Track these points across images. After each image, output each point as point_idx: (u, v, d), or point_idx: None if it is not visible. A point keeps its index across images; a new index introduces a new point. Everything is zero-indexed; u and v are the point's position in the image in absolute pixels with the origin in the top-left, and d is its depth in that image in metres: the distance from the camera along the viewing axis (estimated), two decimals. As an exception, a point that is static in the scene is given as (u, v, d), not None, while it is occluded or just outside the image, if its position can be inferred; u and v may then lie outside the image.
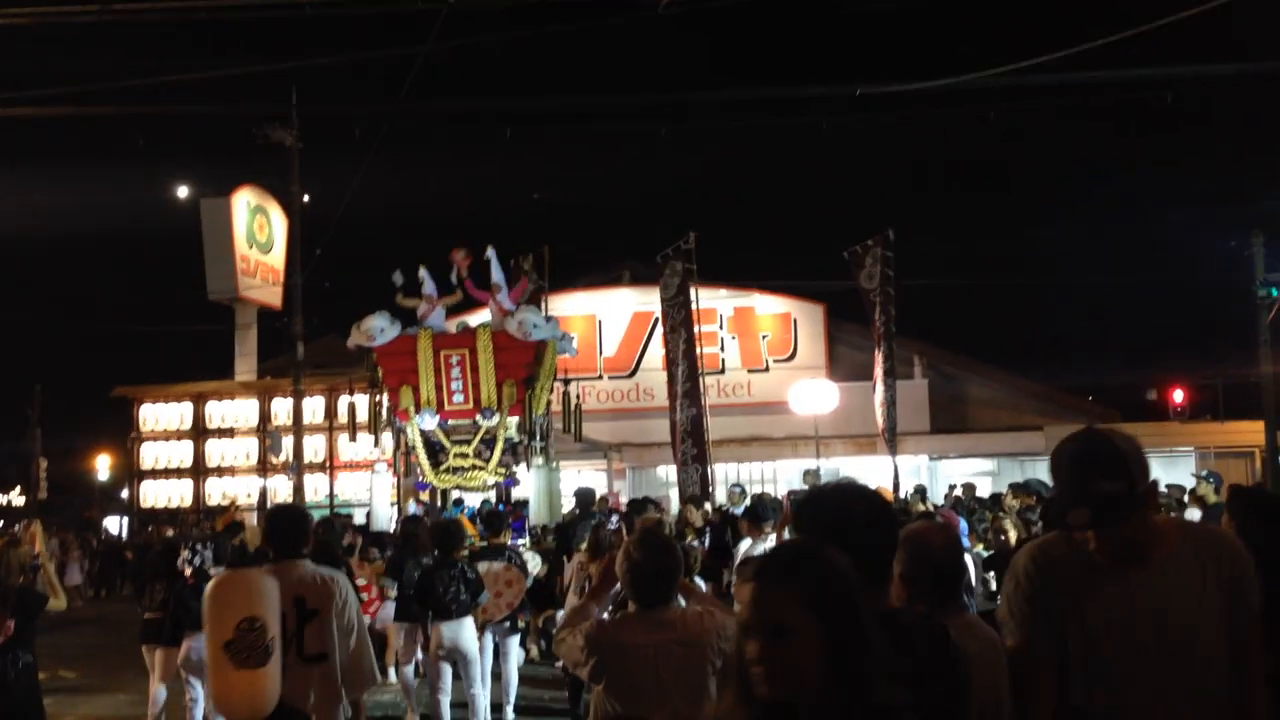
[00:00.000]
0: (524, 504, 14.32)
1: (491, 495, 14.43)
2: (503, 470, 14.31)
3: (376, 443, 16.10)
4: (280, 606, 4.38)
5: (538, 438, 14.93)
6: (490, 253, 14.80)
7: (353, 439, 16.82)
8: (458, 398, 14.31)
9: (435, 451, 14.42)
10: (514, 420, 14.28)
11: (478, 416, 14.17)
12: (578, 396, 16.33)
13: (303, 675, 4.90)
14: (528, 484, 14.78)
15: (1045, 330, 49.29)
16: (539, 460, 14.82)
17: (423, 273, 14.81)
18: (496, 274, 14.83)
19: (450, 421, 14.43)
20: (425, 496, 14.67)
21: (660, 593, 3.84)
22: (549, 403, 15.58)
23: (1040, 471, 20.80)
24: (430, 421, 14.28)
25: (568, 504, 15.92)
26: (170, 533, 18.14)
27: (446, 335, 14.66)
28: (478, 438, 14.24)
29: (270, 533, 5.37)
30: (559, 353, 15.48)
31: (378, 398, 15.09)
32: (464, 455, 14.28)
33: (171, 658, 8.97)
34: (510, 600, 8.98)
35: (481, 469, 14.24)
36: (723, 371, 25.03)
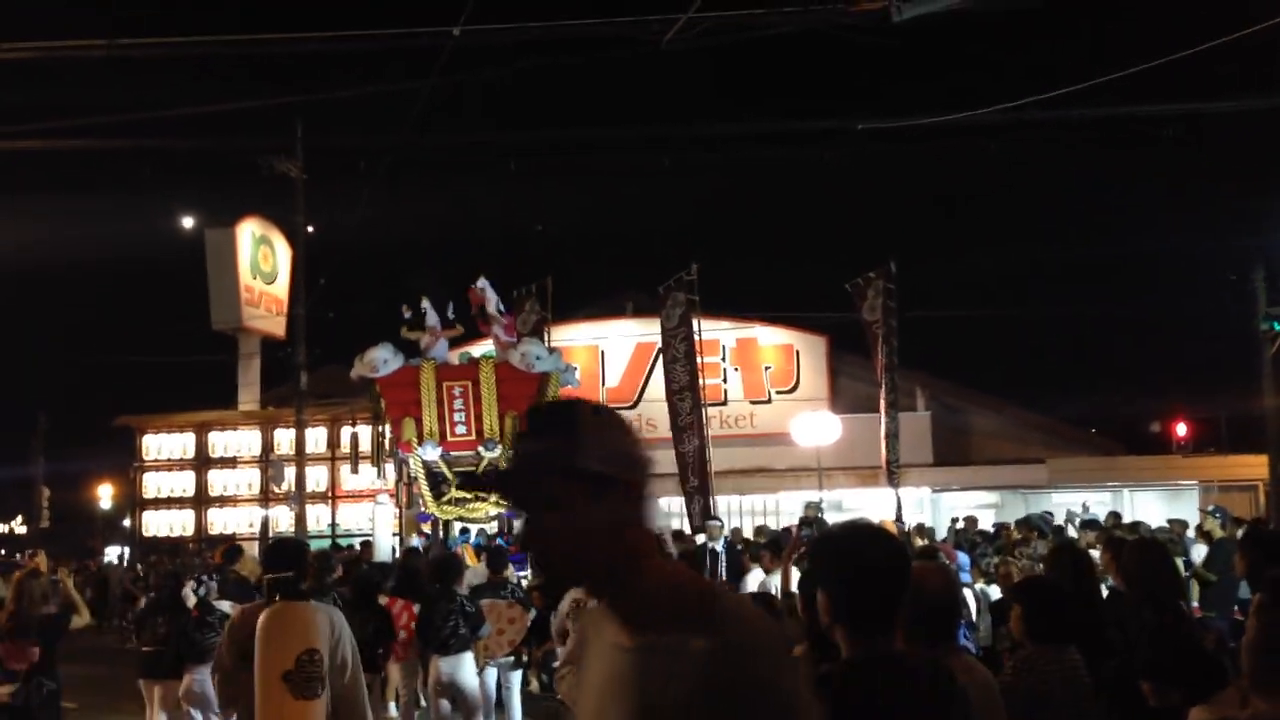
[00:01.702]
0: None
1: (492, 526, 14.41)
2: (505, 502, 14.31)
3: (380, 474, 16.11)
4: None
5: None
6: (481, 282, 14.80)
7: (354, 470, 16.83)
8: (460, 429, 14.32)
9: (438, 483, 14.41)
10: None
11: (480, 448, 14.17)
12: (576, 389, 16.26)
13: (295, 712, 4.88)
14: None
15: (1049, 363, 49.27)
16: None
17: (425, 304, 14.86)
18: (492, 305, 14.85)
19: (453, 453, 14.43)
20: (428, 528, 14.65)
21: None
22: None
23: (1044, 504, 20.78)
24: (433, 452, 14.28)
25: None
26: (170, 564, 18.09)
27: (450, 366, 14.69)
28: (480, 469, 14.25)
29: (269, 566, 5.37)
30: (562, 384, 15.51)
31: (380, 428, 15.12)
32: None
33: (172, 690, 8.94)
34: (512, 638, 8.96)
35: (484, 500, 14.23)
36: (725, 403, 25.03)
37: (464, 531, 14.74)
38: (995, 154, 18.87)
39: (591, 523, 1.82)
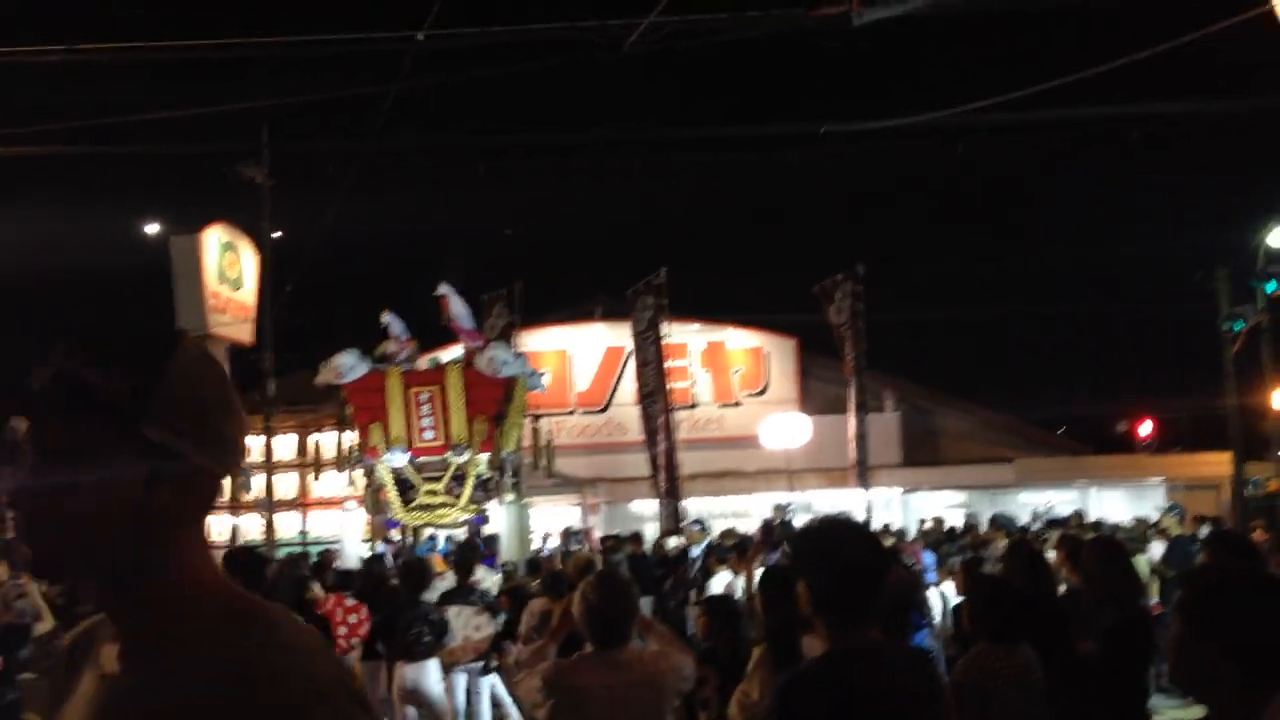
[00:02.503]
0: (494, 539, 14.27)
1: (462, 533, 14.37)
2: (474, 507, 14.27)
3: (350, 481, 16.02)
4: None
5: (508, 474, 14.90)
6: (443, 289, 14.75)
7: (316, 477, 16.68)
8: (428, 434, 14.26)
9: (405, 489, 14.36)
10: (484, 457, 14.25)
11: (448, 453, 14.13)
12: (548, 432, 16.31)
13: None
14: (498, 520, 14.73)
15: (1015, 363, 49.56)
16: (510, 496, 14.78)
17: (388, 317, 14.80)
18: (455, 309, 14.80)
19: (420, 458, 14.37)
20: (396, 534, 14.59)
21: (617, 633, 3.85)
22: (519, 439, 15.57)
23: (1011, 503, 20.93)
24: (400, 459, 14.22)
25: (538, 540, 15.87)
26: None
27: (416, 372, 14.64)
28: (448, 474, 14.19)
29: (231, 576, 5.34)
30: (529, 389, 15.48)
31: (346, 435, 15.04)
32: (434, 492, 14.23)
33: None
34: (479, 644, 8.92)
35: (452, 506, 14.19)
36: (694, 406, 25.05)
37: (431, 539, 14.70)
38: (961, 156, 19.03)
39: (129, 504, 1.34)
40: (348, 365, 14.27)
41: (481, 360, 14.14)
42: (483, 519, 14.43)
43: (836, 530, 2.78)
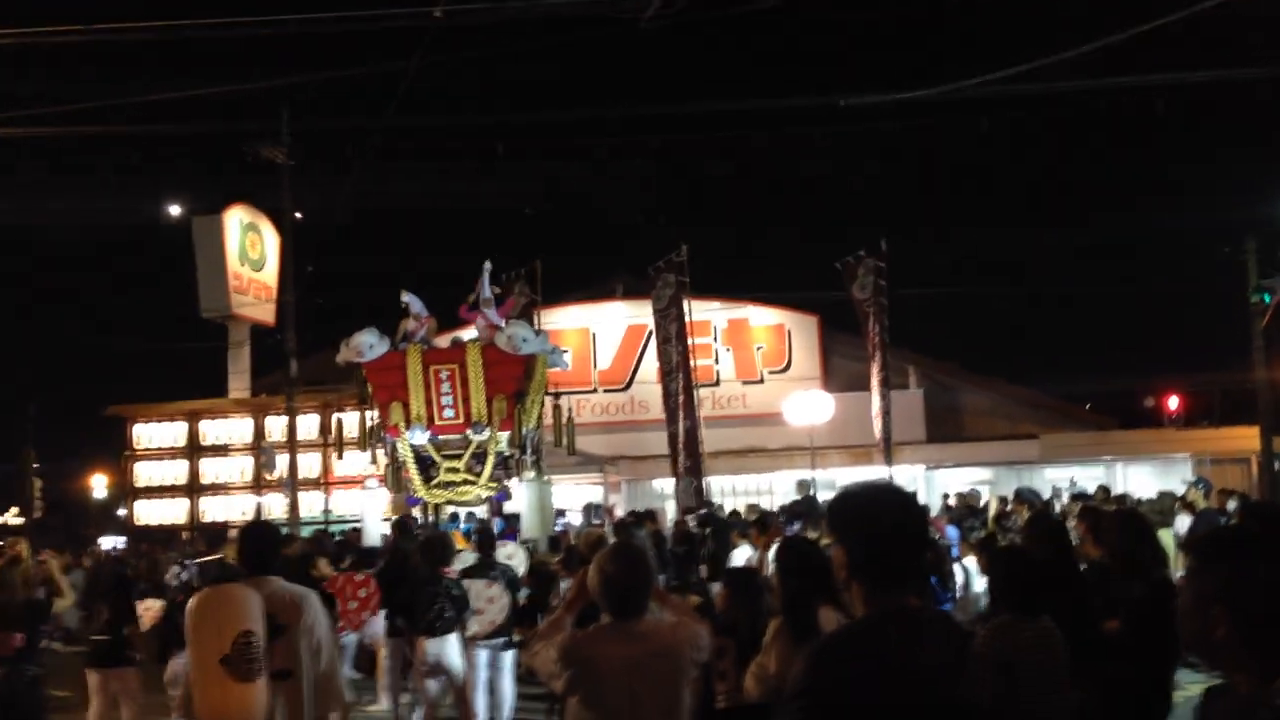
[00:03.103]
0: (516, 518, 14.29)
1: (482, 510, 14.38)
2: (494, 484, 14.27)
3: (373, 459, 16.05)
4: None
5: (529, 452, 14.89)
6: (486, 267, 14.80)
7: (339, 456, 16.72)
8: (448, 412, 14.25)
9: (426, 466, 14.36)
10: (505, 435, 14.25)
11: (468, 431, 14.13)
12: (569, 410, 16.30)
13: (237, 695, 4.86)
14: (520, 498, 14.73)
15: (1041, 339, 49.27)
16: (530, 474, 14.78)
17: (407, 297, 14.80)
18: (486, 290, 14.82)
19: (441, 436, 14.37)
20: (417, 512, 14.63)
21: (633, 605, 3.82)
22: (540, 416, 15.56)
23: (1036, 479, 20.81)
24: (421, 436, 14.22)
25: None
26: (163, 553, 18.06)
27: (436, 350, 14.62)
28: (469, 452, 14.18)
29: (242, 549, 5.34)
30: (550, 366, 15.45)
31: (368, 413, 15.06)
32: (455, 470, 14.22)
33: (112, 679, 8.95)
34: (493, 618, 8.92)
35: (473, 483, 14.19)
36: (717, 383, 25.01)
37: (454, 518, 14.72)
38: (986, 129, 18.85)
39: None
40: (367, 344, 14.28)
41: (501, 338, 14.12)
42: (504, 496, 14.44)
43: (876, 495, 2.73)
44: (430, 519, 14.62)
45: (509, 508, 14.51)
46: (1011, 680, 3.99)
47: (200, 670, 4.67)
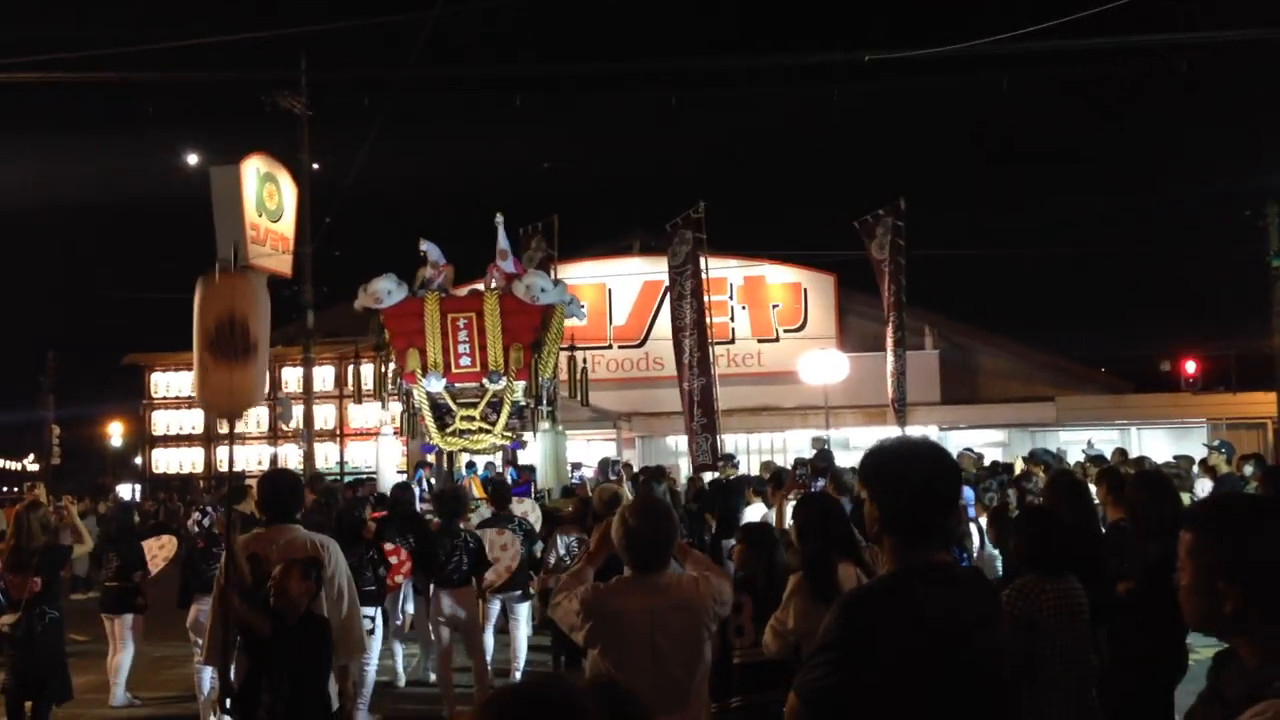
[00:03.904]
0: (530, 469, 14.33)
1: (498, 458, 14.40)
2: (509, 434, 14.28)
3: (384, 406, 16.08)
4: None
5: (544, 402, 14.88)
6: (499, 220, 14.76)
7: (357, 402, 16.74)
8: (464, 360, 14.24)
9: (442, 414, 14.38)
10: (521, 384, 14.24)
11: (484, 379, 14.12)
12: (584, 362, 16.28)
13: (222, 372, 5.00)
14: (534, 449, 14.76)
15: (1057, 301, 49.05)
16: (545, 425, 14.78)
17: (425, 244, 14.78)
18: (502, 241, 14.78)
19: (457, 384, 14.37)
20: (432, 459, 14.65)
21: (655, 558, 3.83)
22: (556, 367, 15.56)
23: (1051, 442, 20.75)
24: (437, 384, 14.23)
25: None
26: (179, 500, 18.20)
27: (454, 298, 14.61)
28: (484, 401, 14.19)
29: (263, 497, 5.36)
30: (568, 318, 15.42)
31: (384, 364, 15.07)
32: (470, 418, 14.24)
33: (116, 624, 9.09)
34: (508, 564, 8.96)
35: (488, 432, 14.21)
36: (732, 341, 24.97)
37: (470, 465, 14.76)
38: (1005, 88, 18.60)
39: None
40: (385, 290, 14.26)
41: (519, 287, 14.08)
42: (518, 445, 14.45)
43: (909, 450, 2.74)
44: (445, 467, 14.65)
45: (523, 458, 14.56)
46: (1033, 640, 4.00)
47: (196, 359, 4.97)
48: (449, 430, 14.35)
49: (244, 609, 4.61)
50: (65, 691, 7.93)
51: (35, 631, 7.54)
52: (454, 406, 14.33)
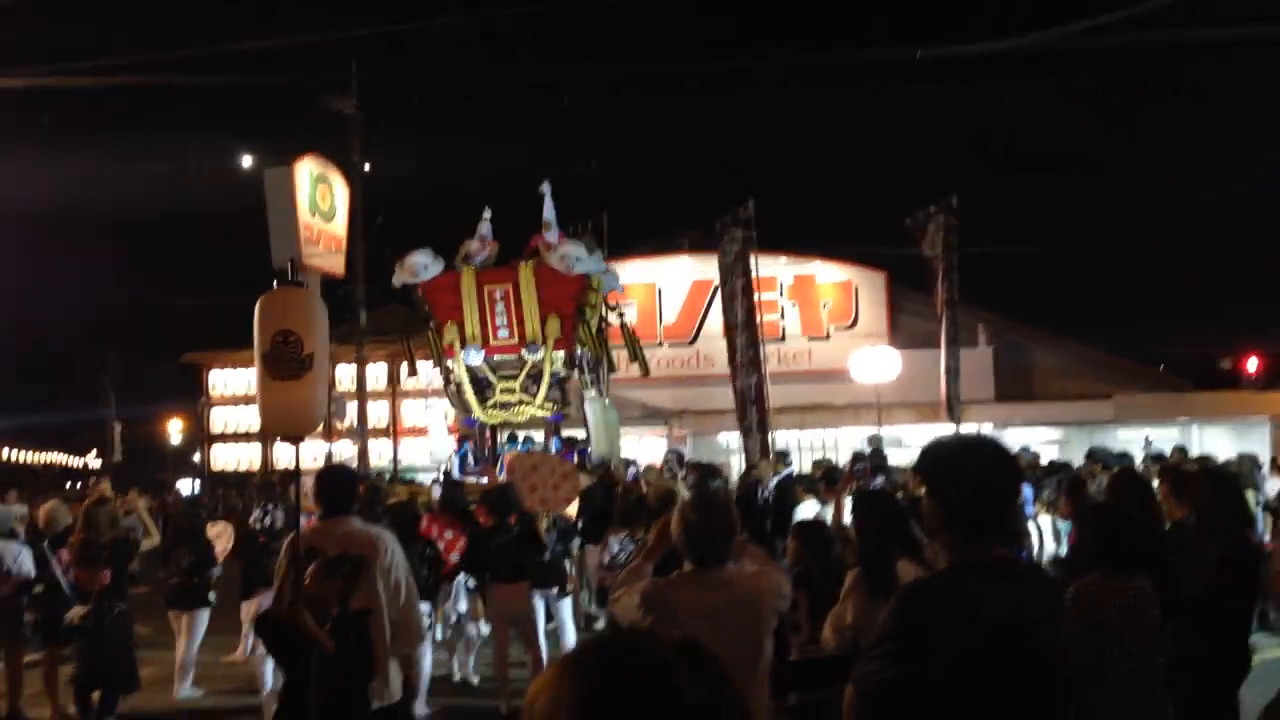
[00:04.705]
0: (573, 440, 14.17)
1: (539, 435, 14.26)
2: (550, 405, 14.17)
3: (438, 366, 15.92)
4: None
5: (586, 370, 14.73)
6: (545, 188, 14.63)
7: (413, 372, 16.33)
8: (502, 332, 14.13)
9: (482, 387, 14.31)
10: (560, 355, 14.11)
11: (523, 351, 14.00)
12: (633, 325, 16.06)
13: (279, 389, 5.03)
14: (589, 419, 14.56)
15: (1114, 298, 48.34)
16: (591, 393, 14.58)
17: (487, 213, 14.70)
18: (548, 211, 14.65)
19: (495, 357, 14.28)
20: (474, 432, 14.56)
21: (715, 553, 3.82)
22: (598, 337, 15.40)
23: (1109, 441, 20.47)
24: (476, 357, 14.13)
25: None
26: (238, 496, 18.45)
27: (489, 270, 14.42)
28: (524, 372, 14.07)
29: (319, 491, 5.43)
30: (605, 289, 15.29)
31: (435, 334, 14.90)
32: (510, 390, 14.13)
33: (184, 619, 9.24)
34: (567, 494, 8.87)
35: (528, 404, 14.12)
36: (783, 339, 24.88)
37: (512, 439, 14.70)
38: (1059, 84, 18.35)
39: None
40: (422, 264, 14.23)
41: (554, 257, 13.94)
42: (560, 417, 14.35)
43: (970, 447, 2.75)
44: (486, 439, 14.55)
45: (567, 430, 14.45)
46: (1098, 641, 3.94)
47: (256, 372, 5.06)
48: (490, 403, 14.23)
49: (315, 628, 4.49)
50: (132, 682, 8.09)
51: (104, 624, 7.70)
52: (494, 379, 14.20)
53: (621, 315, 15.77)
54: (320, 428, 5.47)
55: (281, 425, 5.04)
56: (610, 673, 1.18)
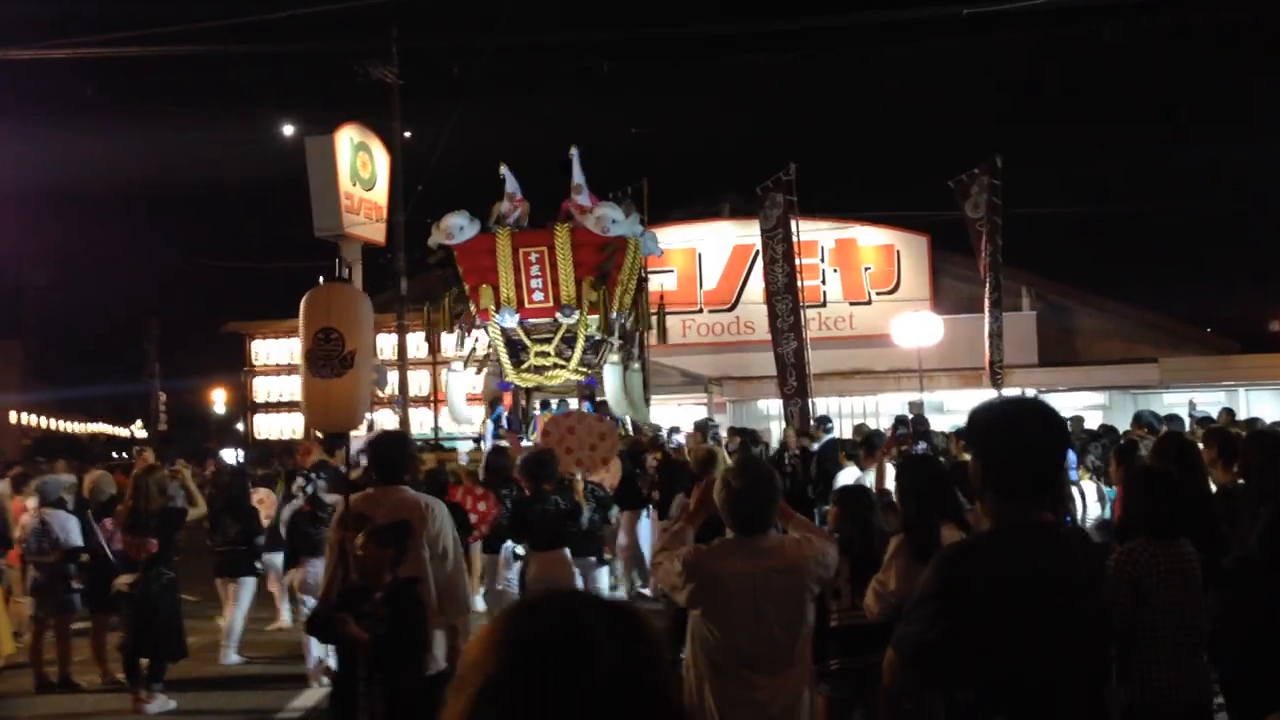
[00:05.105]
0: (606, 405, 14.12)
1: (573, 402, 14.26)
2: (584, 369, 14.15)
3: (460, 344, 15.87)
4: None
5: (616, 335, 14.68)
6: (573, 152, 14.57)
7: (449, 330, 16.17)
8: (538, 295, 14.07)
9: (516, 350, 14.30)
10: (594, 318, 14.06)
11: (558, 314, 13.97)
12: (660, 296, 15.96)
13: (318, 387, 5.09)
14: (605, 383, 14.54)
15: (1160, 259, 47.60)
16: (614, 358, 14.49)
17: (504, 170, 14.65)
18: (578, 175, 14.58)
19: (530, 320, 14.26)
20: (508, 398, 14.57)
21: (758, 520, 3.82)
22: (636, 304, 15.34)
23: (1155, 405, 20.22)
24: (511, 320, 14.10)
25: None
26: (281, 465, 18.60)
27: (525, 233, 14.34)
28: (558, 336, 14.02)
29: (373, 458, 5.47)
30: (644, 253, 15.20)
31: (456, 299, 14.88)
32: (545, 354, 14.09)
33: (231, 586, 9.38)
34: (605, 455, 8.85)
35: (563, 367, 14.11)
36: (824, 304, 24.72)
37: (545, 404, 14.70)
38: (1106, 41, 18.02)
39: None
40: (457, 226, 14.17)
41: (590, 219, 13.84)
42: (593, 381, 14.32)
43: (1015, 409, 2.74)
44: (521, 405, 14.58)
45: (601, 396, 14.41)
46: (1143, 605, 3.91)
47: (301, 368, 5.13)
48: (524, 366, 14.21)
49: (356, 630, 4.50)
50: (180, 649, 8.22)
51: (152, 591, 7.82)
52: (528, 342, 14.17)
53: (645, 280, 15.65)
54: (358, 422, 5.49)
55: (324, 422, 5.07)
56: (529, 629, 1.31)
